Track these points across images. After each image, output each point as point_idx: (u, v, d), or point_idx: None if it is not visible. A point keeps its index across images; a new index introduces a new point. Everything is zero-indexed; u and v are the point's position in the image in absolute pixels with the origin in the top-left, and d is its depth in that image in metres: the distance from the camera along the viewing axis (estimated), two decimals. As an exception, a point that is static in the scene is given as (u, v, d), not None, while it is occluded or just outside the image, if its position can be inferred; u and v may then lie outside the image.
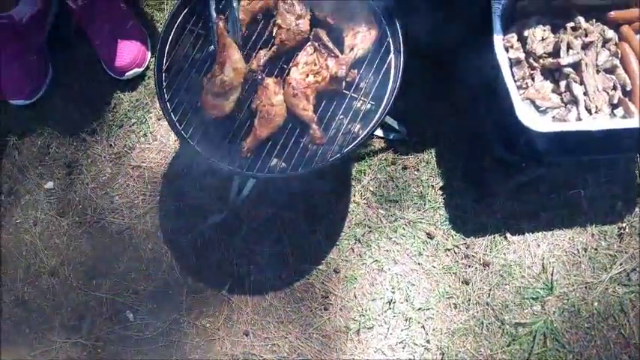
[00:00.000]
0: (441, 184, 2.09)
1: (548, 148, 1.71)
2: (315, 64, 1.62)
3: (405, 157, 2.13)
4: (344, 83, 1.63)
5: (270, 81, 1.62)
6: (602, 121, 1.65)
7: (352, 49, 1.62)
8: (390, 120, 2.01)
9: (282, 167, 1.69)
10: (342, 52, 1.65)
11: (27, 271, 2.13)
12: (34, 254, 2.15)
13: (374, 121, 1.64)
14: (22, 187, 2.23)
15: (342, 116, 1.69)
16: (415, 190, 2.10)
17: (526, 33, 1.76)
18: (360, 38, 1.62)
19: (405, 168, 2.12)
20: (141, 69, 2.26)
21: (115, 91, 2.30)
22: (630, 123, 1.65)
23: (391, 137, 2.13)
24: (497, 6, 1.77)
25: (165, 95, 1.68)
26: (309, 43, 1.64)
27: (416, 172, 2.12)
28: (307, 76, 1.61)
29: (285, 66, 1.69)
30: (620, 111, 1.70)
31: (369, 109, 1.72)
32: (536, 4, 1.78)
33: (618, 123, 1.64)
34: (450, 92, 2.12)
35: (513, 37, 1.76)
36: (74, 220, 2.17)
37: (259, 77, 1.62)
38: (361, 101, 1.70)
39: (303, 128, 1.64)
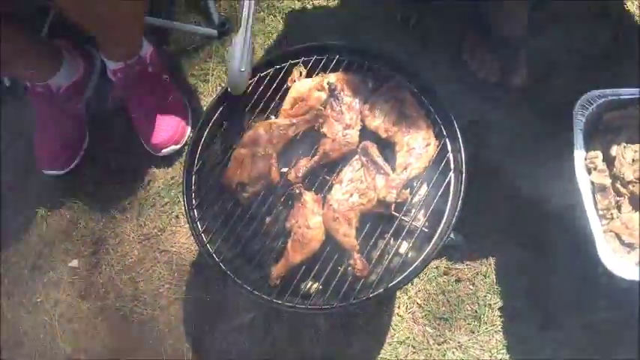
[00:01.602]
0: (500, 303, 1.82)
1: (631, 293, 1.42)
2: (362, 182, 1.41)
3: (460, 267, 1.88)
4: (393, 205, 1.41)
5: (308, 198, 1.42)
6: None
7: (405, 168, 1.40)
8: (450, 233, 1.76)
9: (319, 290, 1.48)
10: (394, 169, 1.43)
11: (43, 356, 2.00)
12: (51, 338, 2.02)
13: (425, 253, 1.41)
14: (46, 263, 2.11)
15: (388, 236, 1.47)
16: (469, 308, 1.83)
17: (613, 152, 1.49)
18: (415, 156, 1.40)
19: (458, 280, 1.86)
20: (178, 146, 2.11)
21: (150, 167, 2.16)
22: None
23: (446, 242, 1.87)
24: (579, 119, 1.51)
25: (194, 201, 1.51)
26: (356, 156, 1.43)
27: (471, 287, 1.86)
28: (351, 195, 1.40)
29: (328, 177, 1.48)
30: None
31: (423, 230, 1.49)
32: (628, 118, 1.51)
33: None
34: (513, 207, 1.86)
35: (597, 157, 1.49)
36: (95, 305, 2.04)
37: (297, 191, 1.42)
38: (414, 221, 1.48)
39: (343, 253, 1.42)
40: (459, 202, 1.40)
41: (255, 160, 1.47)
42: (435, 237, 1.41)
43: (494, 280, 1.85)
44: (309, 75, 1.57)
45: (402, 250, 1.50)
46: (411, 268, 1.40)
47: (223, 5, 2.31)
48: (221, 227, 1.51)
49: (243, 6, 1.43)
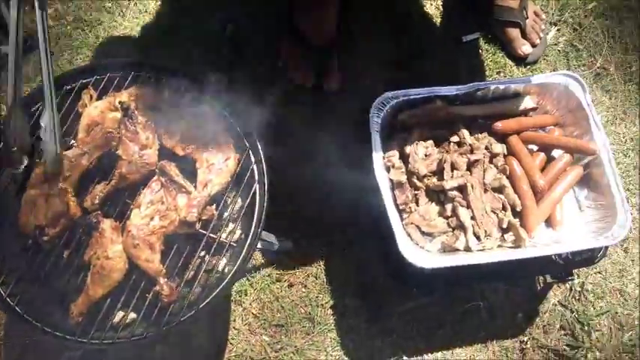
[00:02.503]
0: (331, 302, 1.88)
1: (437, 278, 1.53)
2: (163, 204, 1.36)
3: (292, 271, 1.91)
4: (199, 223, 1.38)
5: (106, 226, 1.34)
6: (490, 254, 1.49)
7: (206, 185, 1.38)
8: (269, 237, 1.77)
9: (131, 320, 1.41)
10: (196, 187, 1.40)
11: None
12: None
13: (236, 266, 1.39)
14: None
15: (202, 253, 1.44)
16: (303, 311, 1.87)
17: (408, 150, 1.59)
18: (216, 172, 1.38)
19: (291, 285, 1.89)
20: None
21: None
22: (521, 253, 1.49)
23: (275, 249, 1.89)
24: (375, 120, 1.59)
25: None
26: (155, 177, 1.38)
27: (304, 290, 1.89)
28: (152, 219, 1.35)
29: (130, 202, 1.42)
30: (510, 236, 1.55)
31: (237, 239, 1.48)
32: (418, 116, 1.61)
33: (508, 254, 1.49)
34: (337, 203, 1.92)
35: (394, 156, 1.58)
36: None
37: (94, 220, 1.34)
38: (228, 234, 1.46)
39: (150, 280, 1.37)
40: (264, 212, 1.41)
41: (50, 199, 1.35)
42: (244, 250, 1.40)
43: (325, 280, 1.90)
44: (102, 95, 1.48)
45: (220, 266, 1.48)
46: (222, 285, 1.38)
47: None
48: (17, 266, 1.37)
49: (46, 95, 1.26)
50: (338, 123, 2.01)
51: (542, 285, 1.90)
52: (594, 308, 1.89)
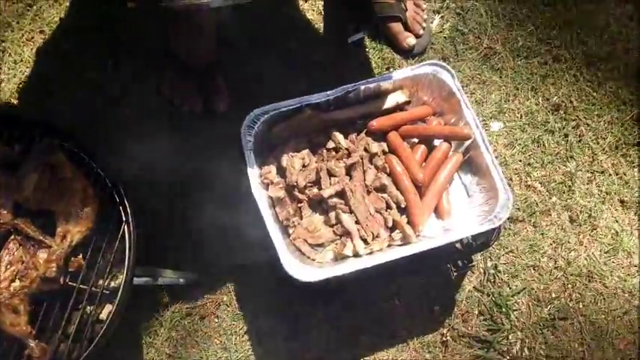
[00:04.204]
0: (245, 327, 1.83)
1: (342, 286, 1.50)
2: (22, 263, 1.30)
3: (202, 303, 1.86)
4: (65, 277, 1.32)
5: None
6: (379, 256, 1.47)
7: (65, 237, 1.32)
8: (168, 273, 1.72)
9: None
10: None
11: None
12: None
13: (112, 312, 1.34)
14: None
15: (81, 305, 1.39)
16: (218, 342, 1.82)
17: (284, 163, 1.56)
18: (74, 222, 1.33)
19: (202, 317, 1.84)
20: None
21: None
22: (409, 250, 1.47)
23: (181, 283, 1.84)
24: (248, 139, 1.56)
25: None
26: (12, 237, 1.33)
27: (216, 320, 1.84)
28: (12, 281, 1.29)
29: (-6, 266, 1.35)
30: (398, 233, 1.53)
31: (119, 284, 1.43)
32: (292, 128, 1.59)
33: (397, 253, 1.47)
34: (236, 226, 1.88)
35: (271, 172, 1.55)
36: None
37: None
38: (108, 280, 1.41)
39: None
40: (133, 252, 1.36)
41: None
42: (119, 293, 1.35)
43: (237, 307, 1.86)
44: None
45: (103, 314, 1.43)
46: (101, 332, 1.33)
47: None
48: None
49: None
50: (229, 144, 1.97)
51: (454, 274, 1.88)
52: (510, 288, 1.89)
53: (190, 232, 1.87)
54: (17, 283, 1.29)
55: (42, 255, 1.31)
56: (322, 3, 2.25)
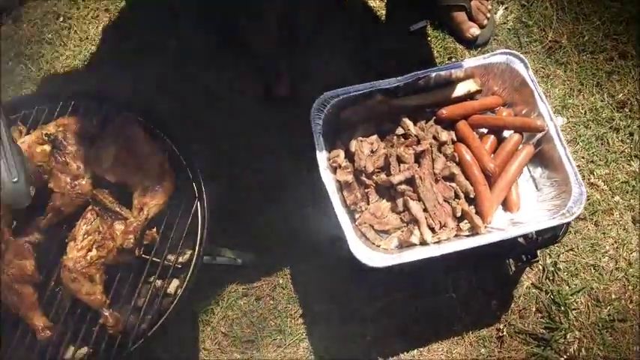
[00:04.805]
0: (300, 311, 1.84)
1: (402, 275, 1.49)
2: (99, 233, 1.32)
3: (258, 284, 1.87)
4: (140, 249, 1.34)
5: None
6: (447, 245, 1.45)
7: (142, 209, 1.34)
8: (225, 252, 1.73)
9: (84, 355, 1.37)
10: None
11: None
12: None
13: (184, 286, 1.36)
14: None
15: (151, 277, 1.40)
16: (273, 323, 1.83)
17: (353, 148, 1.55)
18: (151, 195, 1.35)
19: (258, 298, 1.85)
20: None
21: None
22: (478, 241, 1.45)
23: (239, 264, 1.85)
24: (317, 122, 1.55)
25: None
26: (90, 207, 1.35)
27: (272, 302, 1.85)
28: (89, 250, 1.31)
29: (69, 235, 1.38)
30: (466, 224, 1.51)
31: (187, 260, 1.44)
32: (360, 113, 1.58)
33: (465, 243, 1.45)
34: (296, 210, 1.89)
35: (339, 156, 1.54)
36: None
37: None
38: (177, 256, 1.42)
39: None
40: (205, 229, 1.37)
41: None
42: (190, 268, 1.36)
43: (292, 290, 1.86)
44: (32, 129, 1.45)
45: (171, 288, 1.44)
46: (170, 308, 1.34)
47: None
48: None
49: None
50: (291, 129, 1.97)
51: (513, 269, 1.85)
52: (569, 287, 1.85)
53: (251, 213, 1.88)
54: (94, 253, 1.31)
55: (118, 226, 1.33)
56: (385, -10, 2.23)
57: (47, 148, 1.39)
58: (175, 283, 1.45)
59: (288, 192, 1.85)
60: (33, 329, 1.29)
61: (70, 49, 2.15)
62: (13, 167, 1.18)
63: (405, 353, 1.79)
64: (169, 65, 2.07)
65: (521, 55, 1.63)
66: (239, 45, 1.98)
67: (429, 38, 2.18)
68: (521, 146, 1.62)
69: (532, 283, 1.86)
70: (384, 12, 2.22)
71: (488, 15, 2.14)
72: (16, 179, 1.19)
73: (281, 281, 1.87)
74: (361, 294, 1.82)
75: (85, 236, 1.32)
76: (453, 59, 2.15)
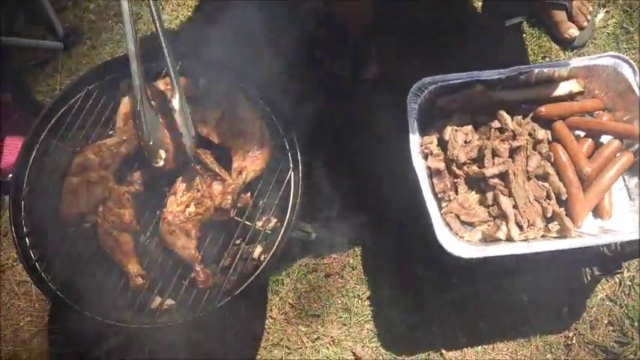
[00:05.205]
0: (368, 293, 1.85)
1: (478, 269, 1.48)
2: (198, 191, 1.36)
3: (328, 261, 1.89)
4: (235, 210, 1.38)
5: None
6: (533, 244, 1.43)
7: (241, 172, 1.37)
8: (305, 226, 1.76)
9: (169, 306, 1.43)
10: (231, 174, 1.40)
11: None
12: None
13: (271, 253, 1.39)
14: None
15: (238, 240, 1.44)
16: (340, 302, 1.85)
17: (446, 136, 1.54)
18: (250, 160, 1.38)
19: (328, 275, 1.87)
20: (27, 168, 1.96)
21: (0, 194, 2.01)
22: (566, 244, 1.43)
23: (312, 239, 1.87)
24: (413, 106, 1.55)
25: (24, 228, 1.41)
26: (191, 165, 1.39)
27: (340, 280, 1.87)
28: (187, 206, 1.35)
29: (167, 189, 1.43)
30: (555, 225, 1.49)
31: (272, 228, 1.48)
32: (457, 102, 1.56)
33: (553, 245, 1.42)
34: (374, 192, 1.89)
35: (432, 143, 1.54)
36: (-51, 347, 1.87)
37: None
38: (264, 222, 1.46)
39: (188, 266, 1.38)
40: (298, 199, 1.40)
41: (91, 187, 1.38)
42: (279, 237, 1.39)
43: (362, 271, 1.88)
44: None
45: (256, 254, 1.48)
46: (256, 272, 1.37)
47: (66, 16, 2.19)
48: (59, 252, 1.41)
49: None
50: (375, 111, 1.98)
51: (589, 278, 1.81)
52: (645, 303, 1.80)
53: (328, 190, 1.89)
54: (192, 209, 1.35)
55: (216, 187, 1.37)
56: (484, -18, 2.19)
57: (154, 104, 1.43)
58: (259, 249, 1.49)
59: (369, 173, 1.85)
60: (127, 275, 1.35)
61: (167, 12, 2.20)
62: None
63: (469, 349, 1.78)
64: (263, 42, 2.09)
65: (631, 60, 1.58)
66: (332, 22, 1.99)
67: (524, 34, 2.13)
68: (619, 153, 1.57)
69: (606, 295, 1.81)
70: (480, 3, 2.18)
71: (589, 17, 2.08)
72: (151, 142, 1.30)
73: (351, 261, 1.88)
74: (431, 284, 1.82)
75: (185, 192, 1.36)
76: (547, 58, 2.10)
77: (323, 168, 1.88)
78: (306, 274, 1.88)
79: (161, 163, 1.28)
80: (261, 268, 1.39)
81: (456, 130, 1.55)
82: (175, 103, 1.28)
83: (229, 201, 1.33)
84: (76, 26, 2.19)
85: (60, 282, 1.39)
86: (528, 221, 1.49)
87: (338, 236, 1.88)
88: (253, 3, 2.13)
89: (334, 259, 1.89)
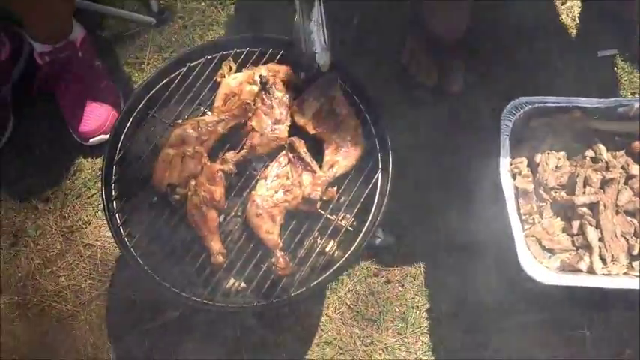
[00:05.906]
0: (427, 305, 1.83)
1: (547, 297, 1.45)
2: (288, 179, 1.38)
3: (390, 268, 1.88)
4: (319, 203, 1.39)
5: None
6: (614, 280, 1.39)
7: (332, 166, 1.38)
8: (377, 230, 1.75)
9: (242, 289, 1.44)
10: (321, 167, 1.41)
11: (-49, 354, 1.88)
12: (-38, 334, 1.89)
13: (349, 252, 1.39)
14: (-40, 255, 1.98)
15: (316, 234, 1.45)
16: (398, 310, 1.84)
17: (537, 159, 1.52)
18: (343, 154, 1.39)
19: (388, 282, 1.86)
20: (108, 135, 2.01)
21: (77, 157, 2.07)
22: (651, 283, 1.39)
23: (377, 243, 1.87)
24: (507, 124, 1.53)
25: (113, 193, 1.44)
26: (283, 152, 1.40)
27: (400, 288, 1.86)
28: (276, 192, 1.37)
29: (255, 172, 1.45)
30: (639, 264, 1.45)
31: (353, 226, 1.48)
32: (552, 125, 1.54)
33: (633, 282, 1.38)
34: (450, 206, 1.88)
35: (522, 163, 1.52)
36: (12, 300, 1.93)
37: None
38: (341, 219, 1.46)
39: (266, 251, 1.39)
40: (385, 201, 1.39)
41: (185, 160, 1.41)
42: (360, 236, 1.39)
43: (423, 283, 1.86)
44: (240, 68, 1.53)
45: (329, 248, 1.48)
46: (334, 267, 1.38)
47: (162, -7, 2.24)
48: (143, 220, 1.44)
49: None
50: (459, 125, 1.96)
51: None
52: None
53: (402, 197, 1.88)
54: (280, 196, 1.37)
55: (306, 177, 1.38)
56: (579, 10, 2.16)
57: (255, 88, 1.45)
58: (335, 245, 1.49)
59: (448, 187, 1.84)
60: (208, 251, 1.37)
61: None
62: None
63: (523, 377, 1.74)
64: (348, 37, 2.11)
65: None
66: (422, 30, 1.98)
67: (615, 68, 2.09)
68: None
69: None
70: (574, 31, 2.14)
71: (686, 58, 2.02)
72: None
73: (414, 271, 1.87)
74: (493, 307, 1.79)
75: (275, 178, 1.38)
76: (636, 94, 2.05)
77: (397, 174, 1.87)
78: (367, 277, 1.87)
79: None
80: (339, 264, 1.38)
81: (548, 154, 1.53)
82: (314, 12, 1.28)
83: (319, 192, 1.34)
84: (169, 4, 2.24)
85: (140, 250, 1.42)
86: (612, 256, 1.45)
87: (403, 245, 1.87)
88: (343, 3, 2.15)
89: (397, 267, 1.88)
